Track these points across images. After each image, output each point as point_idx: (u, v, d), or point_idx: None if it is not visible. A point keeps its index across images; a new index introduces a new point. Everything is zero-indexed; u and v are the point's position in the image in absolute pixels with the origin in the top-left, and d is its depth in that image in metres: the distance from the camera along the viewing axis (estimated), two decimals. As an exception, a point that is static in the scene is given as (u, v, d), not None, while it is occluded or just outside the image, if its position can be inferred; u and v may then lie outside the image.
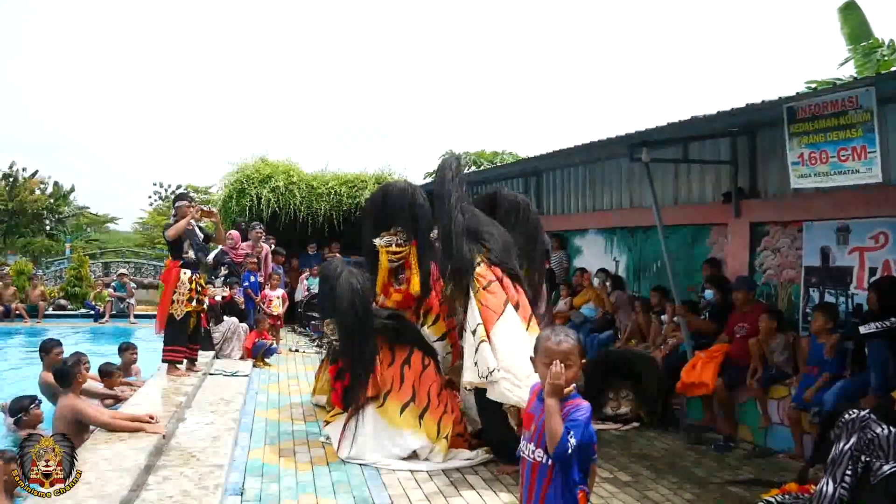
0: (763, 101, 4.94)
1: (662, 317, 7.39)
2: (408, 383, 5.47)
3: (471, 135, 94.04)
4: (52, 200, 30.76)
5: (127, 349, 7.73)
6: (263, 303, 10.37)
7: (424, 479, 4.93)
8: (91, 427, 5.00)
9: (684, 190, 7.86)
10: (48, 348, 6.62)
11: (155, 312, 7.84)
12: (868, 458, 3.82)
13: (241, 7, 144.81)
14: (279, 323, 10.74)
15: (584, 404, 2.52)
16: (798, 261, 6.29)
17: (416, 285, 5.76)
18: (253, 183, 13.24)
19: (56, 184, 31.31)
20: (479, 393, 5.01)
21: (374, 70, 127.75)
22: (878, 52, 9.88)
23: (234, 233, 11.21)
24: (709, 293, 6.81)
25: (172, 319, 6.88)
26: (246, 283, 10.33)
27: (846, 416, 3.98)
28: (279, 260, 11.67)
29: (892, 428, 3.75)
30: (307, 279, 12.66)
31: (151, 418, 5.05)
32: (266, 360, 9.23)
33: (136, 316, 14.13)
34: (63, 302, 15.40)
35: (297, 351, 10.45)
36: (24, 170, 29.74)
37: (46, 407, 5.89)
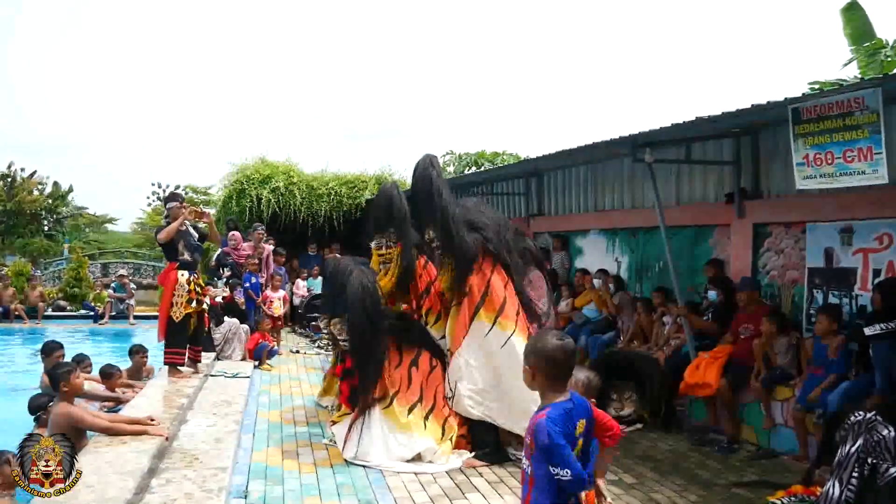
0: (768, 102, 4.92)
1: (665, 318, 7.38)
2: (416, 384, 5.47)
3: (471, 135, 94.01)
4: (50, 201, 30.71)
5: (138, 352, 7.70)
6: (265, 304, 10.34)
7: (429, 481, 4.91)
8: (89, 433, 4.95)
9: (687, 190, 7.84)
10: (49, 350, 6.59)
11: (154, 313, 7.80)
12: (874, 461, 3.80)
13: (242, 7, 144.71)
14: (280, 324, 10.72)
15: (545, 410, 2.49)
16: (801, 262, 6.28)
17: (387, 283, 5.79)
18: (253, 183, 13.23)
19: (55, 184, 31.30)
20: None
21: (375, 70, 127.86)
22: (881, 52, 9.87)
23: (236, 233, 11.19)
24: (712, 294, 6.79)
25: (172, 322, 6.84)
26: (247, 284, 10.30)
27: (852, 417, 3.97)
28: (279, 260, 11.64)
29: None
30: (306, 280, 12.64)
31: (151, 420, 5.02)
32: (268, 361, 9.20)
33: (136, 317, 14.10)
34: (62, 303, 15.37)
35: (297, 352, 10.42)
36: (22, 170, 29.74)
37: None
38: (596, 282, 8.87)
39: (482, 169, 15.31)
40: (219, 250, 11.25)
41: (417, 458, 5.24)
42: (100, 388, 7.01)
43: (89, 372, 7.56)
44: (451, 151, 18.61)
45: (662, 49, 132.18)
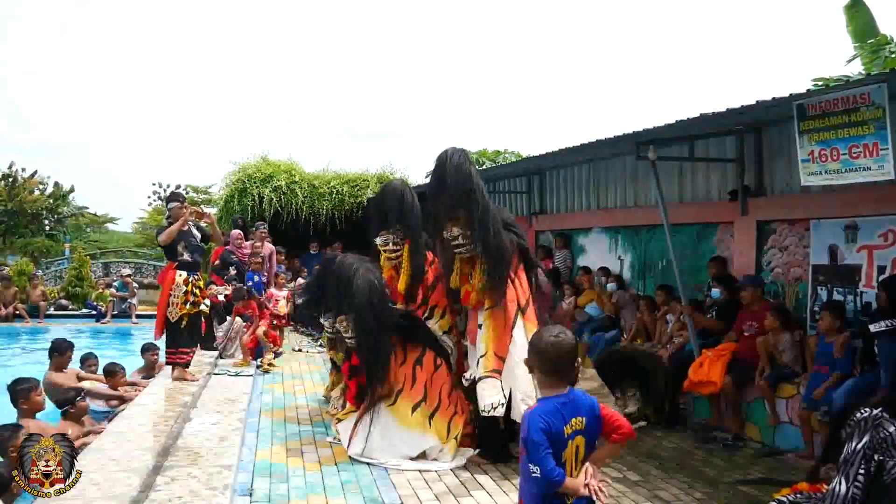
0: (773, 98, 4.91)
1: (668, 316, 7.37)
2: (419, 383, 5.46)
3: (473, 133, 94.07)
4: (51, 200, 30.72)
5: (149, 350, 7.69)
6: (269, 302, 10.32)
7: (434, 479, 4.90)
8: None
9: (690, 188, 7.84)
10: (62, 349, 6.56)
11: (155, 313, 7.77)
12: (881, 458, 3.79)
13: (242, 6, 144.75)
14: (284, 322, 10.69)
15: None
16: (805, 259, 6.27)
17: (402, 284, 5.73)
18: (254, 182, 13.24)
19: (55, 184, 31.32)
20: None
21: (376, 69, 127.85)
22: (885, 48, 9.86)
23: (238, 232, 11.18)
24: (716, 292, 6.78)
25: (169, 322, 6.77)
26: (249, 283, 10.30)
27: (858, 414, 3.95)
28: (279, 259, 11.64)
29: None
30: (307, 279, 12.62)
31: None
32: (272, 361, 9.17)
33: (138, 316, 14.11)
34: (64, 302, 15.38)
35: (300, 350, 10.41)
36: (23, 170, 29.73)
37: (51, 408, 5.86)
38: (596, 280, 8.88)
39: (484, 167, 15.27)
40: (224, 249, 11.25)
41: (422, 455, 5.24)
42: (103, 387, 7.03)
43: (94, 371, 7.58)
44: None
45: (666, 46, 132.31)
